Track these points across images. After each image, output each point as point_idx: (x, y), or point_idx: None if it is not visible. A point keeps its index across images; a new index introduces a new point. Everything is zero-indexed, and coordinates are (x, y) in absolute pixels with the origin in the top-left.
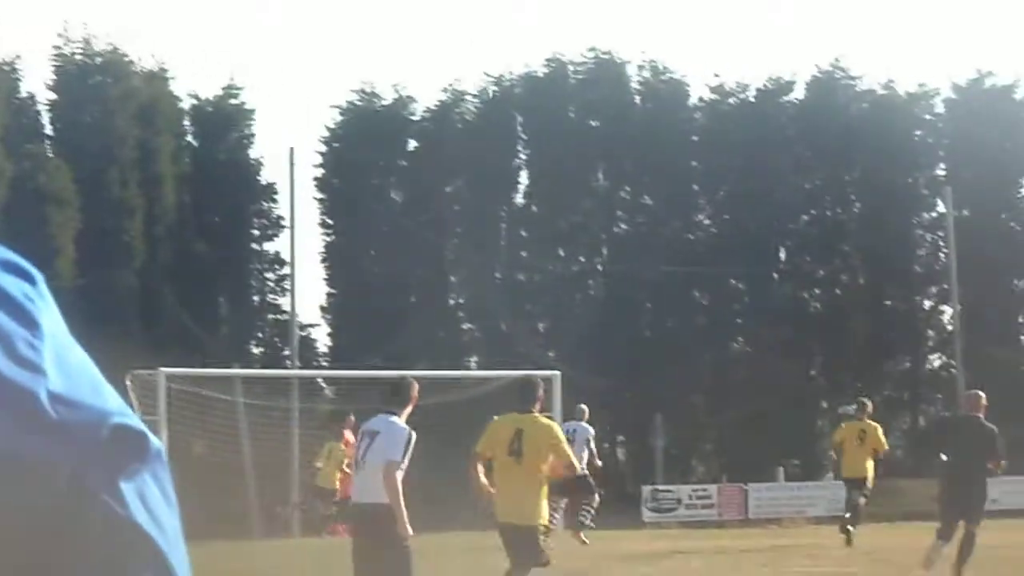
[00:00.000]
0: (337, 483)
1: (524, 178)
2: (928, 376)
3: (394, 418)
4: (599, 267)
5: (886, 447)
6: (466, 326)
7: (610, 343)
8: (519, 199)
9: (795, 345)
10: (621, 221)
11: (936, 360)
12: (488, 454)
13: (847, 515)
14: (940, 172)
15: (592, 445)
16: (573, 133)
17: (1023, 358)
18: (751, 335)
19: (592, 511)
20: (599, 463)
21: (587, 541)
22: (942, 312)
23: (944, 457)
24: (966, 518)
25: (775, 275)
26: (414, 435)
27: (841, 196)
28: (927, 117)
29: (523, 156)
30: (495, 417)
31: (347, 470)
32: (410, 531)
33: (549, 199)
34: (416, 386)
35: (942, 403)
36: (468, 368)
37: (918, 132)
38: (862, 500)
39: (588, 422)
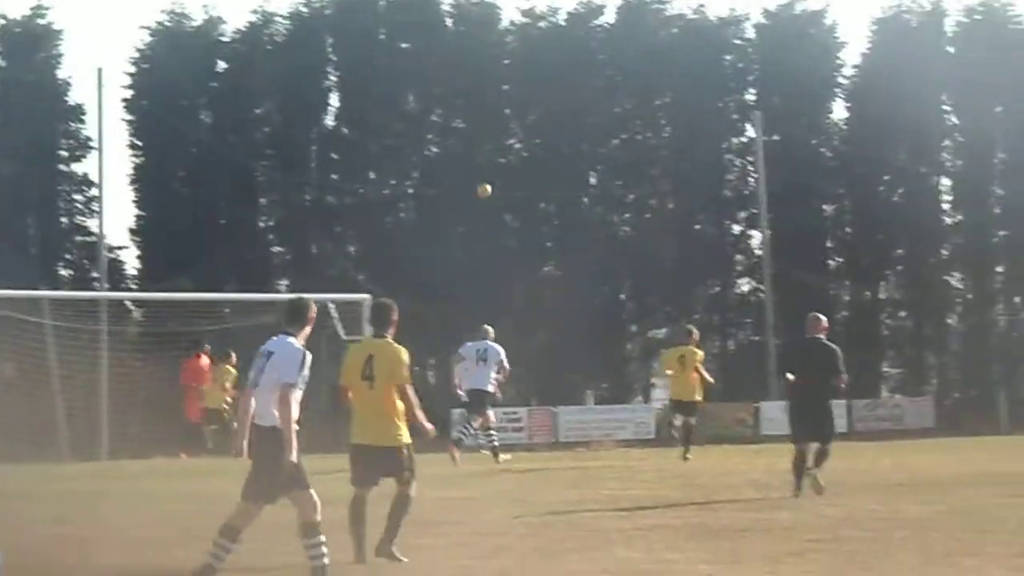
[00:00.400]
0: (226, 403)
1: (335, 100)
2: (737, 300)
3: (290, 339)
4: (410, 190)
5: (708, 377)
6: (276, 249)
7: (421, 266)
8: (329, 121)
9: (605, 269)
10: (432, 144)
11: (745, 285)
12: (346, 383)
13: (678, 437)
14: (750, 97)
15: (505, 364)
16: (384, 55)
17: (830, 282)
18: (561, 259)
19: (472, 428)
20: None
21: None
22: (751, 237)
23: (791, 378)
24: (817, 439)
25: (585, 199)
26: (309, 356)
27: (651, 120)
28: (737, 42)
29: (333, 78)
30: (351, 345)
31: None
32: (294, 456)
33: (359, 122)
34: (314, 307)
35: (751, 327)
36: (278, 291)
37: (728, 57)
38: (692, 421)
39: (495, 340)
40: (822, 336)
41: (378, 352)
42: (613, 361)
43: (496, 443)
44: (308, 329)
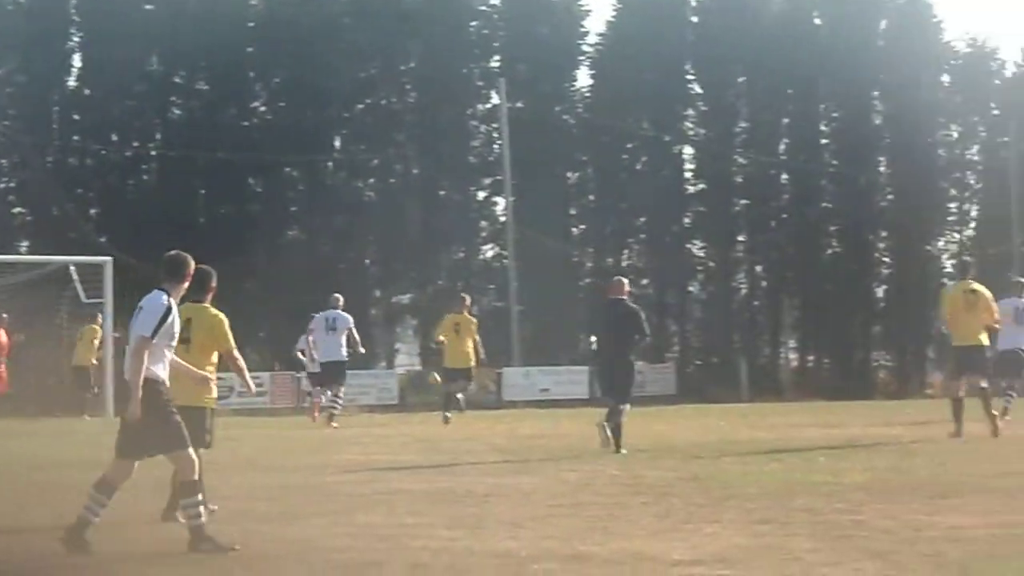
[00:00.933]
0: (92, 362)
1: (77, 61)
2: (481, 266)
3: (162, 294)
4: (153, 152)
5: (478, 340)
6: (17, 210)
7: (163, 229)
8: (72, 83)
9: (349, 234)
10: (175, 106)
11: (489, 251)
12: None
13: (448, 405)
14: (495, 64)
15: (355, 333)
16: (127, 16)
17: (573, 249)
18: (305, 223)
19: (335, 397)
20: (362, 350)
21: (337, 425)
22: (495, 203)
23: (594, 339)
24: (613, 396)
25: (330, 164)
26: (175, 310)
27: (396, 86)
28: (482, 8)
29: (76, 39)
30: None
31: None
32: (139, 410)
33: (102, 83)
34: (190, 262)
35: (495, 293)
36: (19, 252)
37: (473, 23)
38: (470, 387)
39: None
40: (625, 298)
41: (196, 316)
42: (358, 326)
43: (338, 410)
44: (184, 285)
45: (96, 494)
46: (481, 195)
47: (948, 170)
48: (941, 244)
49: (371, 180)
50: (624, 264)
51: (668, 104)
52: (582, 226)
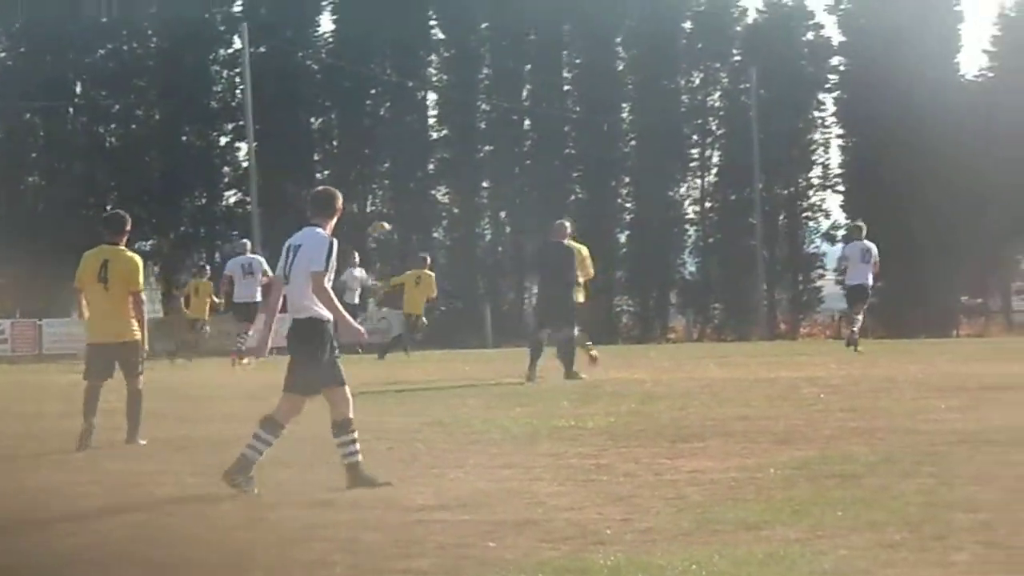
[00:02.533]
0: (207, 313)
1: None
2: (224, 212)
3: (317, 229)
4: None
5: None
6: None
7: None
8: None
9: (90, 180)
10: None
11: (232, 196)
12: (81, 285)
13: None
14: (237, 8)
15: (268, 271)
16: None
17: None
18: (46, 168)
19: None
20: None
21: (247, 362)
22: (238, 149)
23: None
24: (553, 326)
25: (71, 109)
26: (335, 243)
27: (137, 31)
28: None
29: None
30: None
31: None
32: (360, 329)
33: None
34: (340, 198)
35: (237, 239)
36: None
37: None
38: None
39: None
40: (565, 240)
41: (113, 258)
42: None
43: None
44: (335, 220)
45: (262, 432)
46: (223, 140)
47: (690, 116)
48: (683, 190)
49: (112, 125)
50: (369, 210)
51: (411, 50)
52: (326, 172)
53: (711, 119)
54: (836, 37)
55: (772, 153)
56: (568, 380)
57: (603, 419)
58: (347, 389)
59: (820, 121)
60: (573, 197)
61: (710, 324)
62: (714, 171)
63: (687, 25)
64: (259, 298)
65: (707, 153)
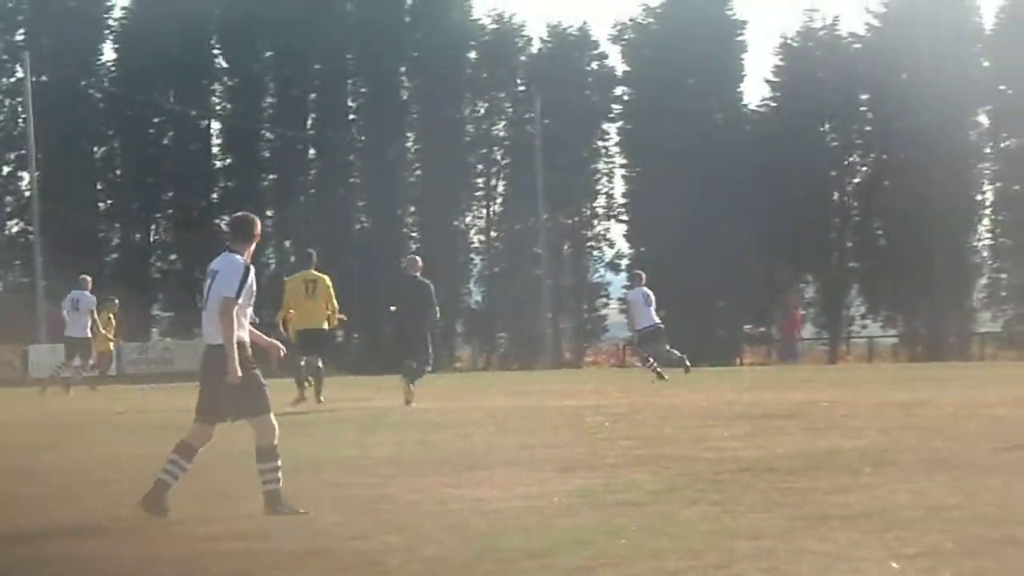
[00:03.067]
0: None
1: None
2: (6, 242)
3: (234, 255)
4: None
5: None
6: None
7: None
8: None
9: None
10: None
11: (14, 226)
12: None
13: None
14: (19, 37)
15: (94, 312)
16: None
17: (101, 224)
18: None
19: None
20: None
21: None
22: (21, 178)
23: (393, 309)
24: (413, 359)
25: None
26: (252, 270)
27: None
28: None
29: None
30: None
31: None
32: (237, 371)
33: None
34: (258, 223)
35: (20, 269)
36: None
37: None
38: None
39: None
40: (418, 274)
41: None
42: None
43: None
44: (253, 246)
45: (176, 457)
46: (6, 170)
47: (475, 145)
48: (468, 219)
49: None
50: (152, 239)
51: (195, 79)
52: (109, 201)
53: (496, 148)
54: (620, 67)
55: (557, 182)
56: (407, 405)
57: (388, 448)
58: (271, 416)
59: (604, 151)
60: (359, 226)
61: (496, 353)
62: (499, 200)
63: (472, 55)
64: (86, 334)
65: (492, 182)
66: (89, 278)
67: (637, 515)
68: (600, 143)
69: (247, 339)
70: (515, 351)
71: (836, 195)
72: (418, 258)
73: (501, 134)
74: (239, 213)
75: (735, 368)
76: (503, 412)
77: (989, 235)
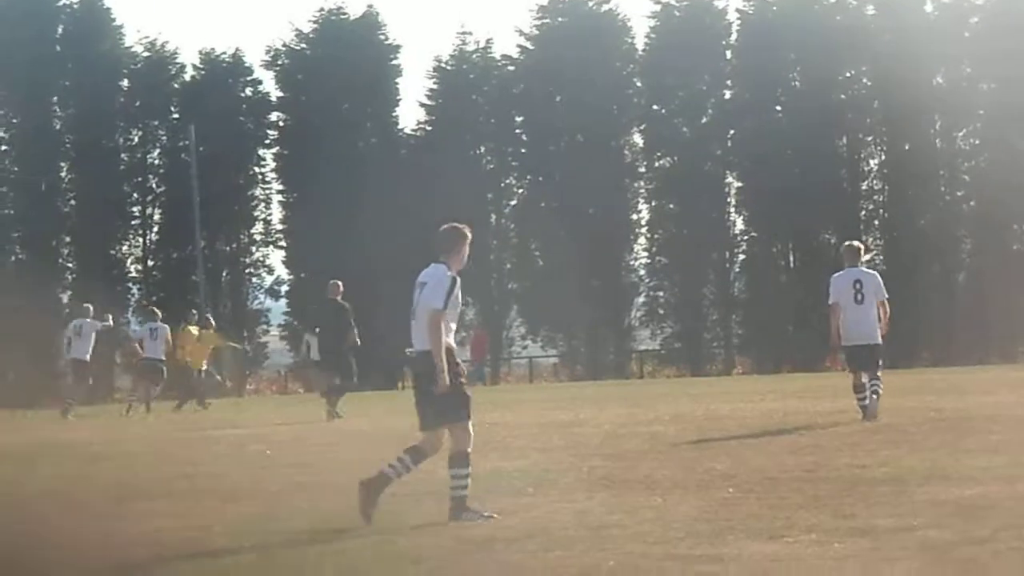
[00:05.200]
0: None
1: None
2: None
3: (442, 266)
4: None
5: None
6: None
7: None
8: None
9: None
10: None
11: None
12: None
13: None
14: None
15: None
16: None
17: None
18: None
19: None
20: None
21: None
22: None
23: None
24: (337, 376)
25: None
26: (458, 281)
27: None
28: None
29: None
30: None
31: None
32: (446, 379)
33: None
34: (467, 234)
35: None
36: None
37: None
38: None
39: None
40: (338, 298)
41: None
42: None
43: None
44: (461, 256)
45: (405, 456)
46: None
47: (130, 174)
48: (125, 248)
49: None
50: None
51: None
52: None
53: (151, 177)
54: (275, 92)
55: (214, 210)
56: (329, 422)
57: (47, 482)
58: (469, 424)
59: (261, 177)
60: (14, 258)
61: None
62: (156, 229)
63: (124, 83)
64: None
65: (148, 211)
66: (91, 307)
67: (301, 543)
68: (257, 169)
69: (454, 347)
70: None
71: (494, 217)
72: (339, 283)
73: (156, 162)
74: (448, 225)
75: (401, 391)
76: (161, 441)
77: (646, 253)
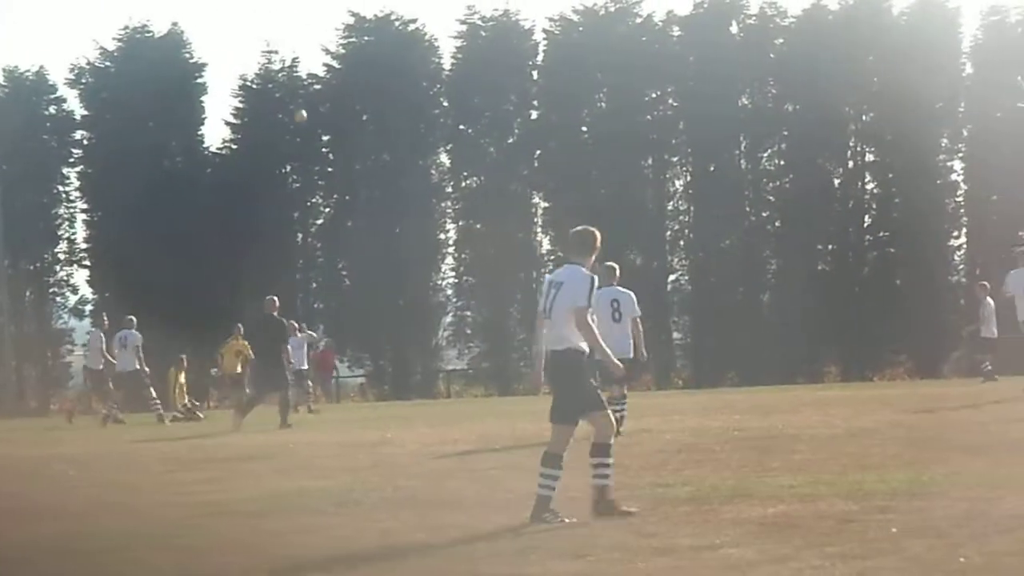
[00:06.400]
0: (239, 368)
1: None
2: None
3: (578, 267)
4: None
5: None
6: None
7: None
8: None
9: None
10: None
11: None
12: None
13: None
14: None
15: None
16: None
17: None
18: None
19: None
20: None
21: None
22: None
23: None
24: (274, 390)
25: None
26: (596, 279)
27: None
28: None
29: None
30: None
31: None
32: (620, 365)
33: None
34: (598, 236)
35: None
36: None
37: None
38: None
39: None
40: (275, 313)
41: None
42: None
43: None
44: (593, 257)
45: (546, 470)
46: None
47: None
48: None
49: None
50: None
51: None
52: None
53: None
54: (79, 111)
55: (17, 229)
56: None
57: None
58: (609, 413)
59: (65, 195)
60: None
61: None
62: None
63: None
64: (136, 367)
65: None
66: (134, 319)
67: (116, 561)
68: (60, 188)
69: (586, 347)
70: None
71: (300, 236)
72: (275, 299)
73: None
74: (581, 227)
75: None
76: None
77: (453, 273)
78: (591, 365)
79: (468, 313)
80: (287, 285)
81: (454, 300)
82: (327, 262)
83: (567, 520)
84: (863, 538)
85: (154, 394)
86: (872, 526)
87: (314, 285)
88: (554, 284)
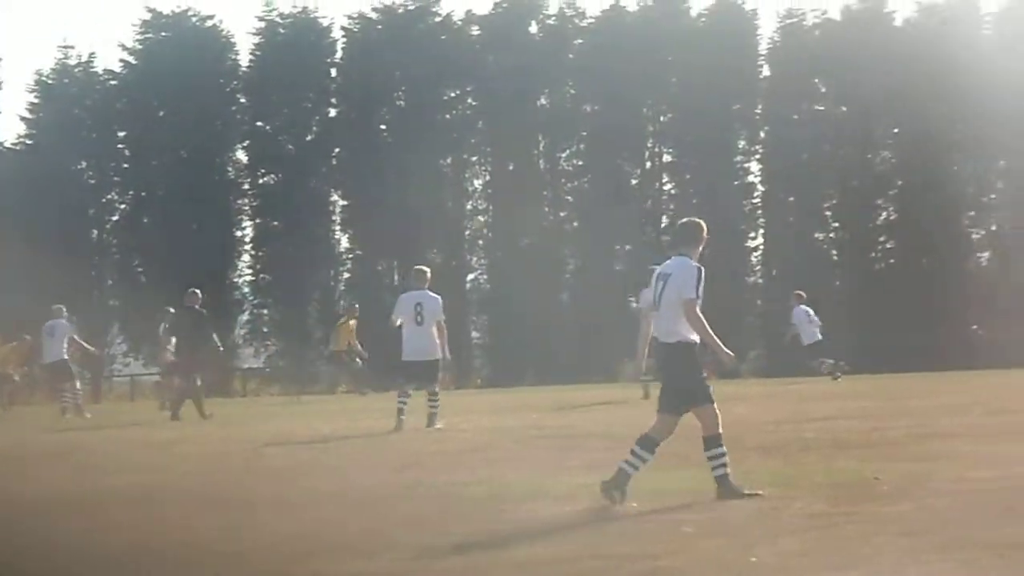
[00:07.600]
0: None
1: None
2: None
3: (686, 259)
4: None
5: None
6: None
7: None
8: None
9: None
10: None
11: None
12: None
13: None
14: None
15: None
16: None
17: None
18: None
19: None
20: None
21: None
22: None
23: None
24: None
25: None
26: (703, 271)
27: None
28: None
29: None
30: None
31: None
32: (731, 354)
33: None
34: (705, 227)
35: None
36: None
37: None
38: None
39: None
40: (196, 306)
41: None
42: None
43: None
44: (700, 248)
45: (638, 449)
46: None
47: None
48: None
49: None
50: None
51: None
52: None
53: None
54: None
55: None
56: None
57: None
58: (716, 407)
59: None
60: None
61: None
62: None
63: None
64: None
65: None
66: (64, 307)
67: None
68: None
69: (696, 339)
70: None
71: (95, 232)
72: (197, 291)
73: None
74: (687, 219)
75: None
76: None
77: (250, 271)
78: (701, 354)
79: (265, 311)
80: (81, 281)
81: (251, 298)
82: (123, 259)
83: (632, 504)
84: (656, 538)
85: (78, 386)
86: (665, 525)
87: (109, 282)
88: (662, 276)
